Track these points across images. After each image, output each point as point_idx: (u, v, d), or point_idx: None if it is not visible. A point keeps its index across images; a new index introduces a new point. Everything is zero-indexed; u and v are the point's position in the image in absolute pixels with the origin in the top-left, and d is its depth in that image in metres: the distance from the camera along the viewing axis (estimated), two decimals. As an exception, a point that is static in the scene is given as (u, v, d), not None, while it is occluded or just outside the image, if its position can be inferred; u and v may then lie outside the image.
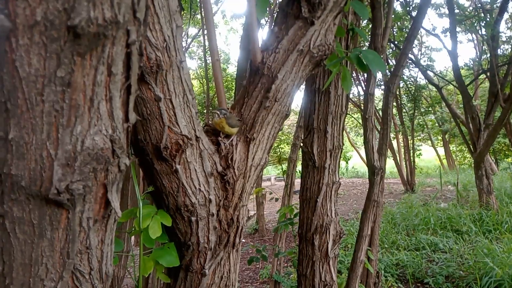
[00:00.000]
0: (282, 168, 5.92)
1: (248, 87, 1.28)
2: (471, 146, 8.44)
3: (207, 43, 9.37)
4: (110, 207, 0.76)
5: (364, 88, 13.17)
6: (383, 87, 11.13)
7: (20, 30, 0.55)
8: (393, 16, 9.31)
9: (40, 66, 0.57)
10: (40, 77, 0.57)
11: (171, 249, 1.18)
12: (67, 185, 0.66)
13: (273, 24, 1.29)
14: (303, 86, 2.38)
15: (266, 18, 7.11)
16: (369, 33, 2.47)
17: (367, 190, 2.66)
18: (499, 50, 12.21)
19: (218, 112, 1.22)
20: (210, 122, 1.29)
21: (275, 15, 1.31)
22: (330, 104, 2.18)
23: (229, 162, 1.23)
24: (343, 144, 2.37)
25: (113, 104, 0.68)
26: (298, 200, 2.42)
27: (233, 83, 15.38)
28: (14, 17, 0.54)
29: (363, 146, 2.66)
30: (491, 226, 6.64)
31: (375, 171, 2.58)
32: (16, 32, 0.55)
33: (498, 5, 8.51)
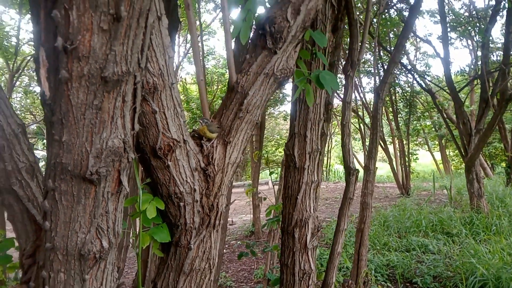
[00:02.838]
0: (269, 169, 6.10)
1: (226, 101, 1.56)
2: (462, 151, 8.62)
3: (206, 49, 9.59)
4: (121, 185, 1.10)
5: (357, 96, 13.36)
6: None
7: (74, 79, 0.88)
8: (388, 23, 9.58)
9: (84, 98, 0.91)
10: (83, 104, 0.91)
11: (164, 228, 1.47)
12: (96, 169, 0.99)
13: (246, 52, 1.58)
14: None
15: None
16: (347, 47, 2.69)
17: (358, 194, 2.87)
18: (494, 56, 12.43)
19: (201, 121, 1.52)
20: (196, 128, 1.57)
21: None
22: (309, 112, 2.39)
23: (210, 160, 1.50)
24: (323, 148, 2.57)
25: (125, 120, 1.01)
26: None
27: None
28: (70, 72, 0.87)
29: (341, 149, 2.87)
30: (481, 228, 6.79)
31: (350, 172, 2.79)
32: (71, 80, 0.88)
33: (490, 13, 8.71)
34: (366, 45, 4.89)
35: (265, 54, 1.50)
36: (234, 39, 4.15)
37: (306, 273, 2.51)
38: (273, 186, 5.51)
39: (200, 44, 9.84)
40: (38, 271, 1.06)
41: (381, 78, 10.36)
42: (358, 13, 2.58)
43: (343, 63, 2.94)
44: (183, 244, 1.49)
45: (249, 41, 1.57)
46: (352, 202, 2.88)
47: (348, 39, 2.65)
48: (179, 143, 1.39)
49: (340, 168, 25.95)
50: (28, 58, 10.91)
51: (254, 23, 1.71)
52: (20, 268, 1.17)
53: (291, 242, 2.51)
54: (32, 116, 22.31)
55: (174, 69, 1.43)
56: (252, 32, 1.56)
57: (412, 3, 6.16)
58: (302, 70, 1.72)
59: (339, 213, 2.93)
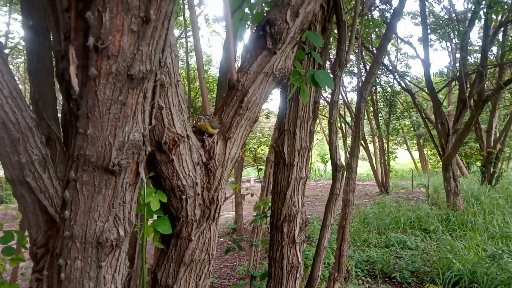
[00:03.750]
0: (257, 167, 6.16)
1: (226, 98, 1.62)
2: (440, 150, 8.84)
3: (189, 45, 9.57)
4: (139, 176, 1.16)
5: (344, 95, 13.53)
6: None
7: (102, 76, 0.93)
8: (371, 23, 9.73)
9: (110, 94, 0.96)
10: (109, 100, 0.96)
11: (165, 220, 1.52)
12: (118, 161, 1.05)
13: (246, 51, 1.64)
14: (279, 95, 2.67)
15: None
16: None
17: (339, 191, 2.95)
18: (472, 58, 12.76)
19: (204, 117, 1.56)
20: (197, 124, 1.61)
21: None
22: (298, 110, 2.46)
23: (211, 155, 1.56)
24: (311, 145, 2.65)
25: (144, 115, 1.07)
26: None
27: (215, 84, 15.61)
28: (99, 69, 0.92)
29: (328, 147, 2.95)
30: (457, 225, 6.99)
31: (337, 168, 2.87)
32: (99, 77, 0.93)
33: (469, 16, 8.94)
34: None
35: (265, 54, 1.56)
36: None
37: (294, 266, 2.58)
38: (261, 183, 5.57)
39: (184, 40, 9.84)
40: (53, 259, 1.10)
41: (363, 78, 10.54)
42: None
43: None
44: (184, 236, 1.54)
45: (249, 41, 1.63)
46: (338, 198, 2.96)
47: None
48: (183, 138, 1.45)
49: (321, 166, 26.22)
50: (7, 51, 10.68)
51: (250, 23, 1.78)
52: (31, 258, 1.20)
53: (280, 236, 2.58)
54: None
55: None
56: (253, 32, 1.62)
57: (395, 6, 6.30)
58: (298, 69, 1.79)
59: (325, 208, 3.00)
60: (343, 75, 14.23)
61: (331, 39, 6.10)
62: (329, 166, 26.80)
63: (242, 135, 1.64)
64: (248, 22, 1.88)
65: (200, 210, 1.55)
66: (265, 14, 1.63)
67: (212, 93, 15.28)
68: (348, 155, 4.56)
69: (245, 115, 1.60)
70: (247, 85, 1.57)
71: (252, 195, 4.21)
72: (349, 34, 2.76)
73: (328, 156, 27.18)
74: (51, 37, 2.54)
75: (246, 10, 1.84)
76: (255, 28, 1.58)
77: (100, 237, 1.08)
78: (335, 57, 2.75)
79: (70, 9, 0.82)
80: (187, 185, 1.49)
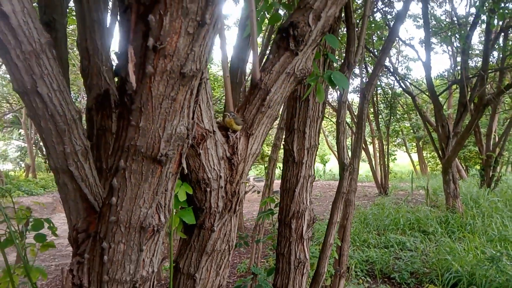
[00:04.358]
0: (264, 165, 6.23)
1: (249, 96, 1.70)
2: (440, 152, 8.93)
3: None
4: (181, 166, 1.23)
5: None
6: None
7: (157, 73, 1.00)
8: (373, 25, 9.81)
9: (162, 90, 1.03)
10: (161, 95, 1.03)
11: (190, 211, 1.61)
12: (166, 152, 1.12)
13: (269, 52, 1.71)
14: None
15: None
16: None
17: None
18: (472, 62, 12.86)
19: (229, 114, 1.64)
20: (222, 120, 1.70)
21: (270, 46, 1.79)
22: (308, 110, 2.54)
23: (235, 150, 1.64)
24: (319, 144, 2.72)
25: (190, 110, 1.13)
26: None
27: (215, 82, 15.69)
28: (155, 67, 0.99)
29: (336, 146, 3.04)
30: (456, 227, 7.08)
31: (344, 167, 2.95)
32: (155, 74, 1.00)
33: (471, 20, 9.03)
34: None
35: (287, 55, 1.63)
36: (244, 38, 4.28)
37: (301, 262, 2.65)
38: (265, 181, 5.63)
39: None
40: (95, 243, 1.18)
41: (364, 79, 10.59)
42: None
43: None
44: (207, 227, 1.62)
45: (272, 42, 1.70)
46: (344, 197, 3.04)
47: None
48: (210, 133, 1.53)
49: (320, 167, 26.30)
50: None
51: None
52: (71, 242, 1.28)
53: (288, 232, 2.64)
54: (8, 105, 21.81)
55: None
56: (276, 34, 1.69)
57: (398, 9, 6.38)
58: (315, 70, 1.87)
59: (332, 206, 3.08)
60: (345, 77, 14.32)
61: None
62: (328, 167, 26.88)
63: (263, 132, 1.72)
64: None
65: (223, 202, 1.62)
66: (280, 17, 1.71)
67: (212, 91, 15.35)
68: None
69: (266, 113, 1.68)
70: (270, 84, 1.64)
71: (258, 192, 4.30)
72: (358, 36, 2.84)
73: (327, 157, 27.27)
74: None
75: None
76: (278, 29, 1.66)
77: (144, 222, 1.16)
78: (343, 58, 2.83)
79: (131, 12, 0.90)
80: (212, 178, 1.57)
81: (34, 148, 21.54)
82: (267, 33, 6.92)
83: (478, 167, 13.28)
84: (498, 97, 8.91)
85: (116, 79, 1.88)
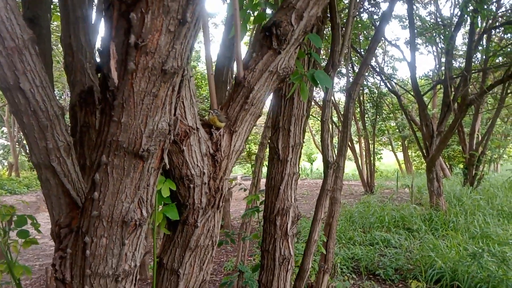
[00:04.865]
0: (250, 163, 6.26)
1: (233, 94, 1.72)
2: (424, 151, 9.05)
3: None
4: (163, 161, 1.25)
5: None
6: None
7: (139, 70, 1.02)
8: (359, 25, 9.89)
9: (144, 86, 1.05)
10: (143, 91, 1.05)
11: (173, 207, 1.62)
12: (147, 147, 1.13)
13: (252, 50, 1.74)
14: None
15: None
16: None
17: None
18: (456, 63, 13.04)
19: (212, 111, 1.67)
20: (205, 118, 1.72)
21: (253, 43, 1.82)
22: (293, 108, 2.57)
23: (218, 146, 1.66)
24: (304, 142, 2.75)
25: (171, 106, 1.15)
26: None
27: (203, 81, 15.64)
28: (137, 64, 1.01)
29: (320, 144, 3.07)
30: (439, 225, 7.18)
31: (328, 165, 2.98)
32: (136, 71, 1.02)
33: (455, 21, 9.16)
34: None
35: (270, 53, 1.66)
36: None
37: (286, 258, 2.68)
38: (252, 180, 5.65)
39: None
40: (77, 238, 1.19)
41: (351, 78, 10.67)
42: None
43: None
44: (190, 222, 1.64)
45: (254, 40, 1.73)
46: (329, 194, 3.08)
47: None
48: (194, 130, 1.55)
49: (308, 165, 26.40)
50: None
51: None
52: (53, 238, 1.29)
53: (273, 229, 2.67)
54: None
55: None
56: (259, 33, 1.72)
57: (384, 9, 6.46)
58: (299, 69, 1.90)
59: (316, 203, 3.11)
60: (331, 76, 14.39)
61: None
62: (315, 165, 26.97)
63: (247, 129, 1.75)
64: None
65: (206, 198, 1.65)
66: (267, 16, 1.74)
67: (200, 89, 15.30)
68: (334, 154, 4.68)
69: (250, 111, 1.70)
70: (253, 82, 1.67)
71: (245, 190, 4.32)
72: (342, 36, 2.88)
73: (314, 156, 27.35)
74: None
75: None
76: (261, 28, 1.68)
77: (126, 217, 1.18)
78: (328, 58, 2.87)
79: (112, 10, 0.92)
80: (195, 175, 1.59)
81: (17, 146, 21.21)
82: (254, 32, 6.93)
83: (461, 165, 13.48)
84: (481, 97, 9.07)
85: (99, 76, 1.89)
